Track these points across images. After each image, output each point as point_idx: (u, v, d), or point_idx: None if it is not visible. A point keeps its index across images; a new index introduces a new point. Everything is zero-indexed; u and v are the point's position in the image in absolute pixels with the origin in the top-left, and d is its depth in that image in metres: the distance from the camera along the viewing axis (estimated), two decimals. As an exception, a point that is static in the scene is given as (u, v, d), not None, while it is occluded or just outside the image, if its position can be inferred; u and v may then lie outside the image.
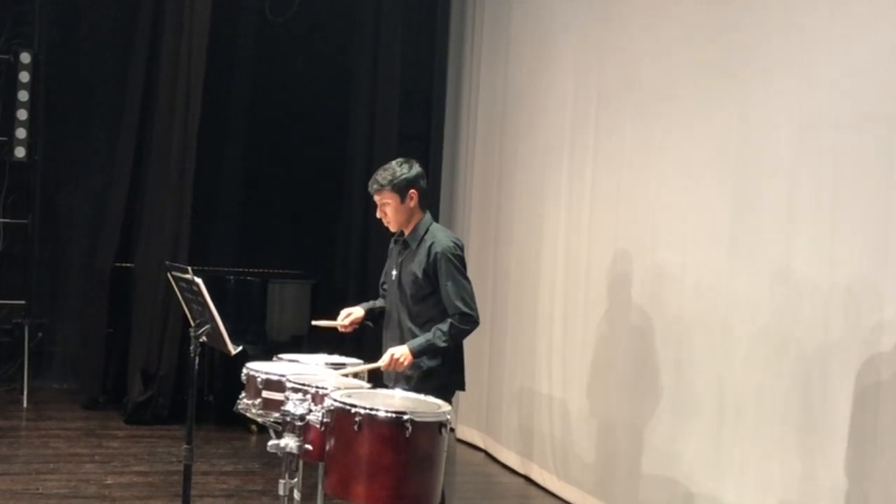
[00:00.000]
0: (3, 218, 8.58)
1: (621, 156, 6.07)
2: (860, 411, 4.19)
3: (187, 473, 4.32)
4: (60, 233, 8.96)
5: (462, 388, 4.61)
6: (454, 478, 6.90)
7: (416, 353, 4.35)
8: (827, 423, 4.35)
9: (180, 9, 7.89)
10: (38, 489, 5.86)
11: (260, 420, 4.25)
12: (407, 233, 4.56)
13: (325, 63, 9.24)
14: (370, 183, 4.55)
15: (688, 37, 5.50)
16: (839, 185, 4.38)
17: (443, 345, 4.35)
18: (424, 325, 4.43)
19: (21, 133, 8.27)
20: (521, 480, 6.95)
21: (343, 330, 4.65)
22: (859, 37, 4.35)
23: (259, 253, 8.97)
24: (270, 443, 3.90)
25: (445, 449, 3.68)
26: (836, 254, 4.37)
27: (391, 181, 4.47)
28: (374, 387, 4.16)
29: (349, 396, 3.67)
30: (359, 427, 3.52)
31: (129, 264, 8.19)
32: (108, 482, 6.11)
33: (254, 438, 7.54)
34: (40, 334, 8.67)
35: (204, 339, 4.27)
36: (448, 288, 4.38)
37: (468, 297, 4.42)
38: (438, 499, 3.68)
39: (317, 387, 3.85)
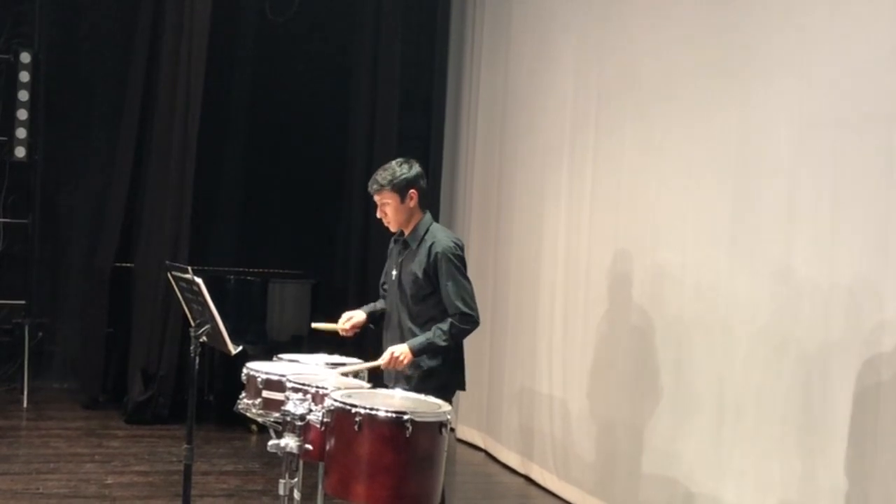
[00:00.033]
0: (4, 218, 8.58)
1: (621, 156, 6.08)
2: (860, 411, 4.19)
3: (187, 473, 4.32)
4: (60, 233, 8.96)
5: (462, 387, 4.61)
6: (454, 477, 6.91)
7: (416, 352, 4.35)
8: (827, 423, 4.35)
9: (180, 9, 7.90)
10: (38, 489, 5.86)
11: (260, 420, 4.25)
12: (407, 233, 4.56)
13: (325, 63, 9.24)
14: (370, 183, 4.55)
15: (688, 37, 5.50)
16: (839, 185, 4.38)
17: (443, 344, 4.35)
18: (425, 325, 4.43)
19: (21, 133, 8.27)
20: (522, 480, 6.96)
21: (344, 334, 4.63)
22: (859, 37, 4.35)
23: (259, 253, 8.98)
24: (271, 443, 3.90)
25: (446, 449, 3.68)
26: (836, 254, 4.37)
27: (391, 181, 4.47)
28: (375, 387, 4.16)
29: (349, 396, 3.68)
30: (359, 427, 3.52)
31: (129, 264, 8.20)
32: (109, 482, 6.11)
33: (254, 438, 7.54)
34: (40, 334, 8.67)
35: (204, 338, 4.27)
36: (448, 288, 4.39)
37: (468, 297, 4.42)
38: (439, 499, 3.68)
39: (317, 387, 3.85)
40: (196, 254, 8.03)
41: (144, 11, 8.17)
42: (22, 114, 8.27)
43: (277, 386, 4.03)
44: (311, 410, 3.78)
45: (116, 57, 8.71)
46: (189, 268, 4.38)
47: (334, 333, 4.66)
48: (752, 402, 4.83)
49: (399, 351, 4.34)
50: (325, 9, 9.15)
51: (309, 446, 3.80)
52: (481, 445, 7.74)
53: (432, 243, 4.45)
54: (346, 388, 3.88)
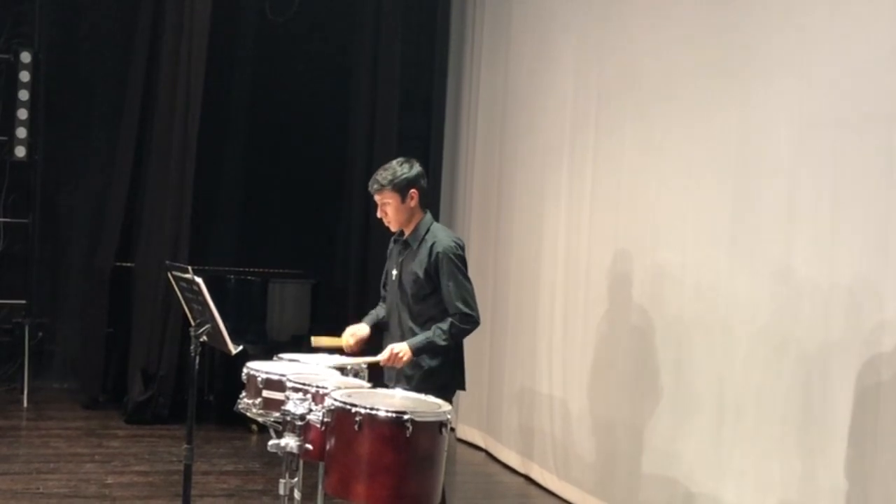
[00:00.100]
0: (4, 217, 8.58)
1: (621, 156, 6.08)
2: (860, 411, 4.19)
3: (188, 473, 4.33)
4: (60, 232, 8.96)
5: (462, 387, 4.61)
6: (455, 477, 6.91)
7: (416, 352, 4.35)
8: (827, 423, 4.35)
9: (180, 9, 7.90)
10: (38, 489, 5.86)
11: (260, 419, 4.24)
12: (407, 233, 4.56)
13: (325, 63, 9.24)
14: (371, 182, 4.55)
15: (688, 37, 5.50)
16: (839, 185, 4.38)
17: (443, 343, 4.36)
18: (425, 325, 4.44)
19: (21, 132, 8.28)
20: (522, 480, 6.96)
21: (349, 350, 4.58)
22: (859, 37, 4.35)
23: (259, 253, 8.98)
24: (271, 442, 3.90)
25: (446, 448, 3.68)
26: (836, 254, 4.37)
27: (392, 181, 4.47)
28: (375, 386, 4.16)
29: (349, 396, 3.68)
30: (359, 427, 3.52)
31: (129, 264, 8.20)
32: (109, 482, 6.11)
33: (254, 438, 7.54)
34: (40, 334, 8.67)
35: (204, 338, 4.27)
36: (449, 288, 4.39)
37: (469, 297, 4.42)
38: (439, 498, 3.68)
39: (317, 386, 3.85)
40: (196, 254, 8.03)
41: (144, 11, 8.17)
42: (22, 113, 8.27)
43: (278, 385, 4.03)
44: (311, 410, 3.78)
45: (116, 57, 8.72)
46: (189, 267, 4.39)
47: (338, 349, 4.61)
48: (752, 402, 4.83)
49: (399, 348, 4.35)
50: (325, 9, 9.15)
51: (309, 446, 3.79)
52: (481, 445, 7.75)
53: (433, 243, 4.45)
54: (346, 388, 3.88)
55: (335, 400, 3.65)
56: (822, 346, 4.41)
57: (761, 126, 4.90)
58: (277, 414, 3.93)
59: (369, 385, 4.18)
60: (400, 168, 4.50)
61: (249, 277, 8.01)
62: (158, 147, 7.97)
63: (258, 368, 4.18)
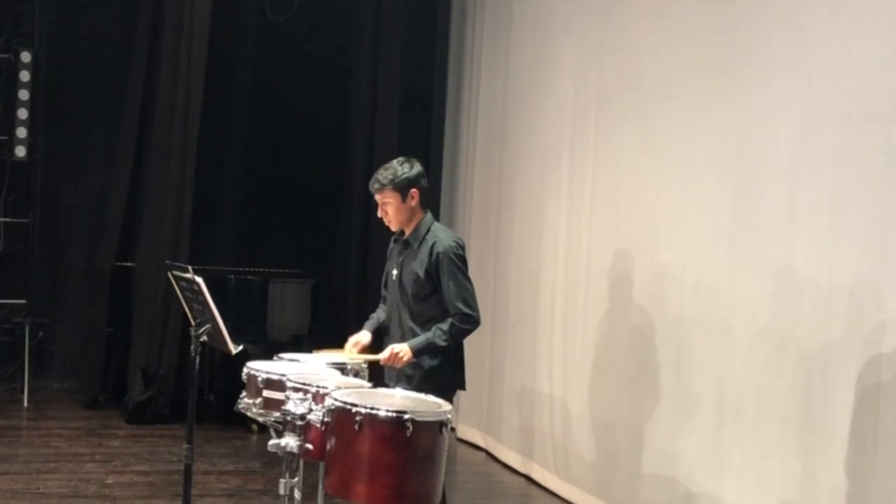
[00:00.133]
0: (4, 217, 8.58)
1: (621, 156, 6.08)
2: (861, 411, 4.19)
3: (188, 473, 4.33)
4: (60, 232, 8.96)
5: (463, 387, 4.62)
6: (455, 477, 6.91)
7: (417, 353, 4.36)
8: (827, 423, 4.35)
9: (180, 9, 7.90)
10: (38, 488, 5.86)
11: (261, 419, 4.24)
12: (408, 232, 4.56)
13: (325, 63, 9.23)
14: (371, 182, 4.55)
15: (688, 37, 5.50)
16: (839, 185, 4.38)
17: (443, 344, 4.36)
18: (426, 325, 4.44)
19: (21, 132, 8.27)
20: (522, 480, 6.96)
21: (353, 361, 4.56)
22: (859, 37, 4.35)
23: (259, 253, 8.97)
24: (271, 442, 3.90)
25: (446, 448, 3.68)
26: (836, 254, 4.38)
27: (392, 180, 4.47)
28: (375, 386, 4.16)
29: (350, 396, 3.68)
30: (359, 426, 3.52)
31: (129, 264, 8.20)
32: (109, 481, 6.12)
33: (254, 438, 7.54)
34: (41, 334, 8.67)
35: (204, 338, 4.27)
36: (450, 288, 4.39)
37: (469, 297, 4.42)
38: (439, 498, 3.68)
39: (317, 386, 3.85)
40: (196, 253, 8.03)
41: (144, 11, 8.17)
42: (22, 113, 8.27)
43: (278, 385, 4.03)
44: (311, 410, 3.79)
45: (116, 57, 8.72)
46: (189, 267, 4.39)
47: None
48: (752, 402, 4.83)
49: (399, 348, 4.35)
50: (325, 9, 9.15)
51: (309, 446, 3.80)
52: (482, 445, 7.75)
53: (434, 243, 4.45)
54: (346, 388, 3.88)
55: (335, 400, 3.65)
56: (823, 347, 4.41)
57: (761, 126, 4.90)
58: (278, 414, 3.93)
59: (369, 385, 4.18)
60: (400, 167, 4.50)
61: (249, 277, 8.01)
62: (158, 147, 7.97)
63: (258, 368, 4.19)
